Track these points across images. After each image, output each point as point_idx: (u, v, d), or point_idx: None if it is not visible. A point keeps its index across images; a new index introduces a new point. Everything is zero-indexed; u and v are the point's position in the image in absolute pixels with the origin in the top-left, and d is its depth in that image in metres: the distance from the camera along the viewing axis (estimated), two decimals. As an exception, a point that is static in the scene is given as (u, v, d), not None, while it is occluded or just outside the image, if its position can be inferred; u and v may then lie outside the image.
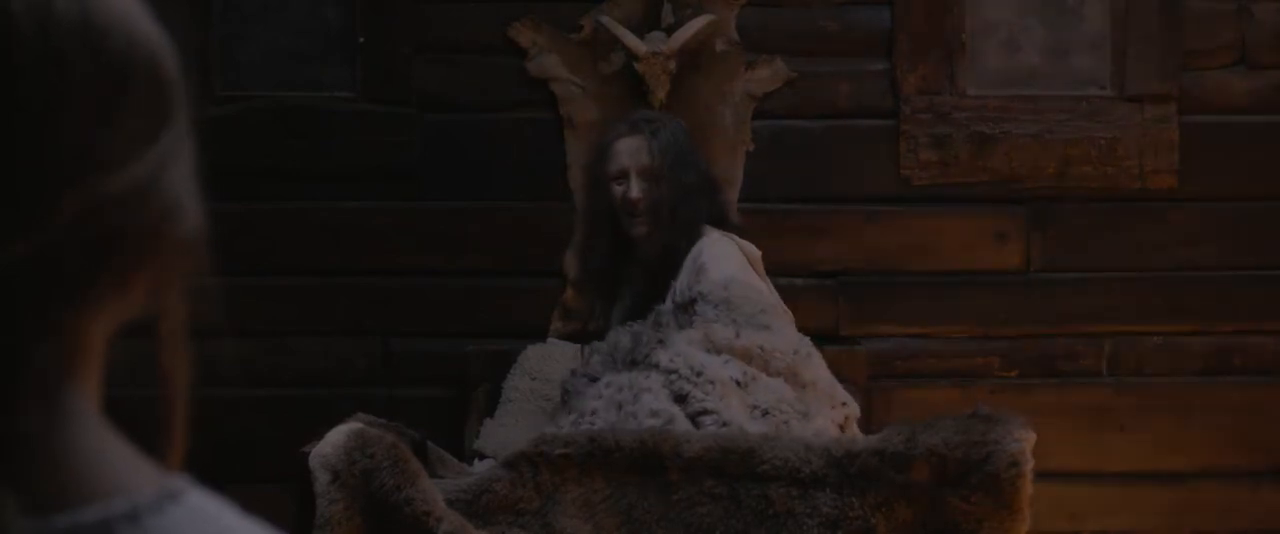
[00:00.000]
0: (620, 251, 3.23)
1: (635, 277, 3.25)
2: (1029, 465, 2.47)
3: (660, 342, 2.89)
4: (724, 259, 3.07)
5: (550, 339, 3.60)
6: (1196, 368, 3.82)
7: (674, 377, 2.78)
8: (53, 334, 0.79)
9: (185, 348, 0.85)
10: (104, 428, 0.82)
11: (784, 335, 2.96)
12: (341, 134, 3.76)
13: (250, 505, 0.87)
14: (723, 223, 3.24)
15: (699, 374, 2.78)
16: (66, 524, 0.77)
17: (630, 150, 3.27)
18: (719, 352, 2.84)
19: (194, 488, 0.82)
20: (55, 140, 0.76)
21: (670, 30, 3.75)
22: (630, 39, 3.71)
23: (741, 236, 3.22)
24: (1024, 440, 2.48)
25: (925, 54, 3.80)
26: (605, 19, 3.75)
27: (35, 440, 0.78)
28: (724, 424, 2.69)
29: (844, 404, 2.97)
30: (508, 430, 3.30)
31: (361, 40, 3.79)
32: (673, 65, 3.71)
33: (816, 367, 2.97)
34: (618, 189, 3.27)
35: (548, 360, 3.47)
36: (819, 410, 2.87)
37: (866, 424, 3.14)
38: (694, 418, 2.73)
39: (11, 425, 0.77)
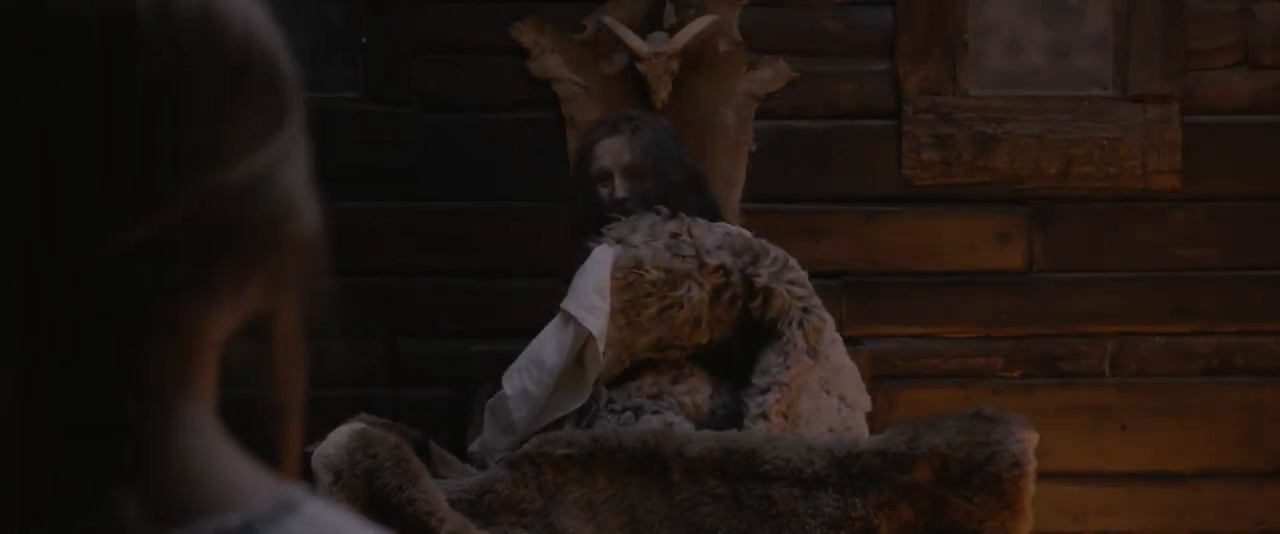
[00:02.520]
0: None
1: None
2: (1031, 465, 2.46)
3: None
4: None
5: (552, 339, 3.59)
6: (1199, 368, 3.81)
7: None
8: (169, 331, 0.78)
9: (300, 352, 0.85)
10: (218, 434, 0.81)
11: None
12: (343, 134, 3.76)
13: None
14: (713, 218, 3.21)
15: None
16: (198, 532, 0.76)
17: (611, 151, 3.27)
18: None
19: (311, 498, 0.82)
20: (173, 128, 0.76)
21: (672, 30, 3.75)
22: (632, 39, 3.71)
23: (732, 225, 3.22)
24: (1026, 440, 2.48)
25: (927, 54, 3.79)
26: (607, 19, 3.75)
27: (150, 446, 0.77)
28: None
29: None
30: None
31: (363, 40, 3.79)
32: (675, 65, 3.70)
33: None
34: (602, 191, 3.26)
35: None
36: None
37: (870, 424, 3.14)
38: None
39: (127, 429, 0.76)
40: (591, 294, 2.95)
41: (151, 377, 0.78)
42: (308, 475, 2.45)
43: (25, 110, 0.75)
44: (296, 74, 0.84)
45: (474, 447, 3.12)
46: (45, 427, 0.75)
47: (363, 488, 2.40)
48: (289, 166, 0.82)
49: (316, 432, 2.60)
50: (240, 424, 0.85)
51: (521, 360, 3.04)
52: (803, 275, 3.02)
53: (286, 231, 0.82)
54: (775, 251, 3.01)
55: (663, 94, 3.69)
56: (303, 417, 0.86)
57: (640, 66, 3.70)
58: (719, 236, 3.01)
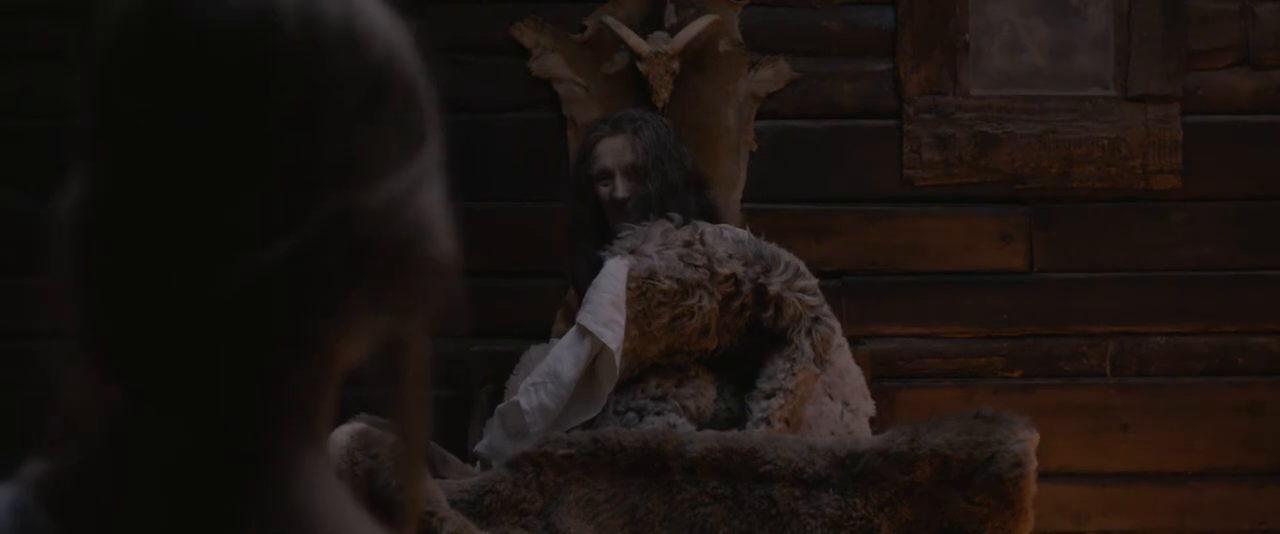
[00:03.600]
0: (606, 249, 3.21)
1: None
2: (1033, 466, 2.46)
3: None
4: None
5: (553, 340, 3.58)
6: (1200, 368, 3.80)
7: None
8: (303, 354, 0.76)
9: (428, 385, 0.81)
10: (337, 486, 0.79)
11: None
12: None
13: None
14: (712, 220, 3.21)
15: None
16: None
17: (613, 150, 3.27)
18: None
19: None
20: (312, 143, 0.76)
21: (673, 30, 3.74)
22: (633, 39, 3.70)
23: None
24: (1028, 441, 2.47)
25: (928, 54, 3.79)
26: (608, 19, 3.75)
27: (277, 477, 0.75)
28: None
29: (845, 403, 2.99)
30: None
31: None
32: (676, 65, 3.70)
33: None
34: (603, 190, 3.26)
35: (550, 360, 3.46)
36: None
37: (872, 429, 3.13)
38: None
39: (255, 457, 0.74)
40: (608, 307, 2.95)
41: (283, 402, 0.76)
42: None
43: (168, 123, 0.74)
44: (435, 98, 0.84)
45: (479, 447, 3.12)
46: (174, 447, 0.74)
47: (363, 488, 2.39)
48: (425, 190, 0.82)
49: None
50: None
51: (537, 375, 3.03)
52: (813, 282, 3.02)
53: (422, 255, 0.81)
54: (786, 258, 3.01)
55: (663, 94, 3.68)
56: (424, 465, 0.81)
57: (641, 66, 3.69)
58: (730, 245, 3.00)
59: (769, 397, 2.85)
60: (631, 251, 2.98)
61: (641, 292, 2.90)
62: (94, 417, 0.76)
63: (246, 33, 0.75)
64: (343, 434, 2.44)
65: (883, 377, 3.72)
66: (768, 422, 2.80)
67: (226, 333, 0.73)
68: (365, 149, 0.79)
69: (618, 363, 2.93)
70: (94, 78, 0.77)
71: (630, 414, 2.97)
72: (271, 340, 0.75)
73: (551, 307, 3.67)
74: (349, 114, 0.78)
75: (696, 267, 2.91)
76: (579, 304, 3.55)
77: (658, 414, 2.91)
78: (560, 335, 3.53)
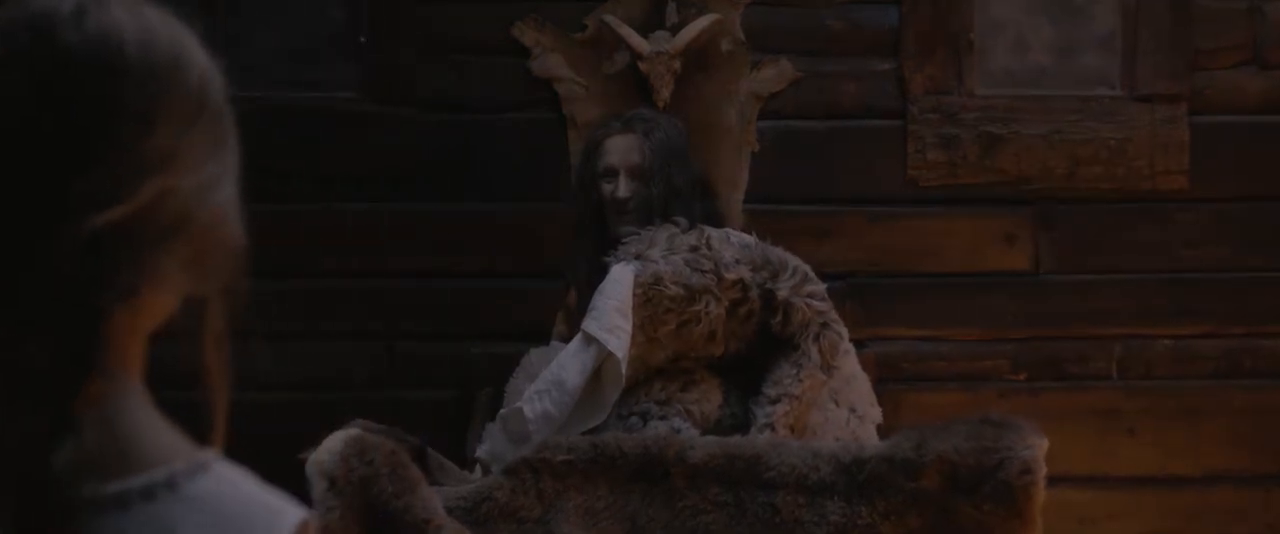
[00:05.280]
0: (612, 248, 3.18)
1: None
2: (1042, 473, 2.43)
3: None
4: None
5: (553, 342, 3.56)
6: (1207, 371, 3.79)
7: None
8: (119, 307, 0.99)
9: (226, 346, 1.05)
10: (147, 403, 1.01)
11: None
12: (343, 135, 3.73)
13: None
14: (716, 225, 3.19)
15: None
16: (118, 490, 0.95)
17: (621, 148, 3.25)
18: None
19: (221, 460, 1.00)
20: (146, 138, 1.00)
21: (675, 30, 3.72)
22: (634, 38, 3.68)
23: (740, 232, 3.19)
24: (1037, 447, 2.45)
25: (933, 54, 3.77)
26: (609, 18, 3.73)
27: (92, 411, 0.96)
28: None
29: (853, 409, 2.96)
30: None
31: (363, 40, 3.77)
32: (677, 65, 3.68)
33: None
34: (606, 187, 3.24)
35: (550, 363, 3.43)
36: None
37: (877, 431, 3.11)
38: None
39: (73, 394, 0.95)
40: (613, 314, 2.92)
41: (108, 335, 0.98)
42: (302, 482, 2.41)
43: (33, 117, 0.99)
44: (232, 115, 1.09)
45: (481, 452, 3.10)
46: (22, 369, 0.95)
47: (359, 495, 2.36)
48: (225, 184, 1.07)
49: (313, 437, 2.57)
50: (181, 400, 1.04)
51: (541, 382, 3.01)
52: (821, 287, 3.00)
53: (221, 237, 1.05)
54: (794, 263, 2.98)
55: (665, 94, 3.67)
56: (227, 401, 1.06)
57: (642, 66, 3.68)
58: (737, 249, 2.98)
59: (774, 402, 2.83)
60: (637, 257, 2.96)
61: (648, 297, 2.88)
62: None
63: (98, 53, 1.01)
64: (337, 440, 2.41)
65: (887, 380, 3.70)
66: (772, 427, 2.77)
67: (69, 279, 0.96)
68: (183, 147, 1.03)
69: (623, 370, 2.91)
70: None
71: (634, 418, 2.95)
72: (103, 285, 0.97)
73: (552, 308, 3.64)
74: (172, 119, 1.02)
75: (703, 272, 2.89)
76: (578, 305, 3.53)
77: (662, 418, 2.89)
78: (560, 337, 3.52)
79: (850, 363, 3.05)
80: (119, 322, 0.99)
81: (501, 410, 3.12)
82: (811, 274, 3.01)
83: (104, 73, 1.00)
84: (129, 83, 1.01)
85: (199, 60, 1.06)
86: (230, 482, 0.99)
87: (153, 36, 1.03)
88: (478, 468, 3.08)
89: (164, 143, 1.01)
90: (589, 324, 2.95)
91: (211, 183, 1.05)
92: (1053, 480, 2.78)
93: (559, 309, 3.64)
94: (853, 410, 3.00)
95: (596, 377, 2.97)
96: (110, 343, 0.98)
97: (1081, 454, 3.71)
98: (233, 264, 1.06)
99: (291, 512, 1.00)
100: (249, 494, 0.99)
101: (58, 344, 0.95)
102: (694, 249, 2.92)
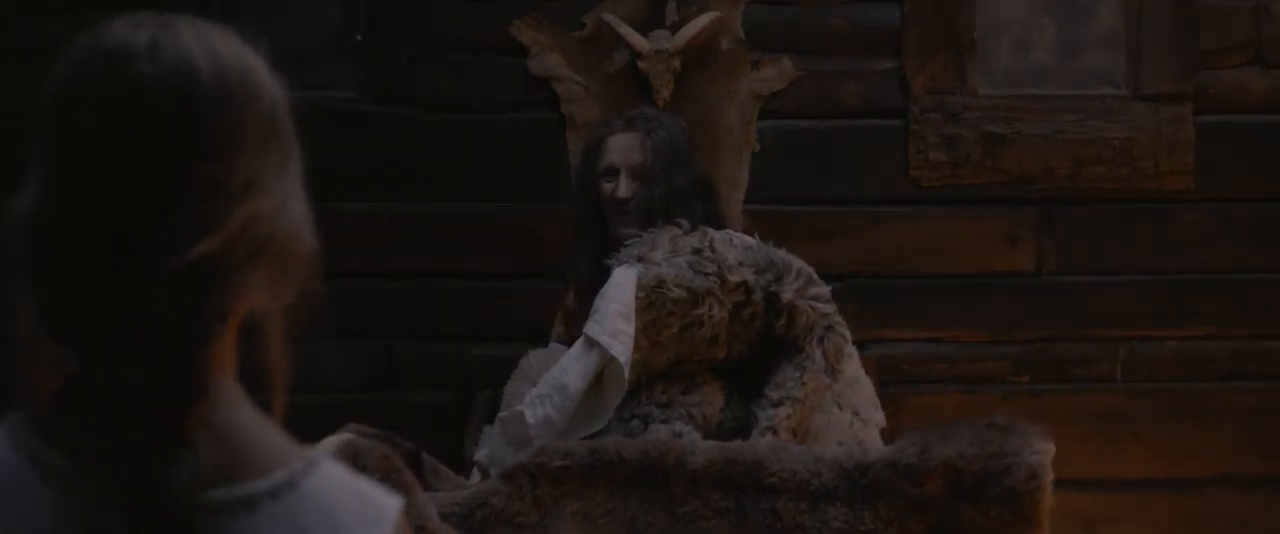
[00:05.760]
0: (609, 254, 3.16)
1: None
2: (1048, 478, 2.41)
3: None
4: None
5: (552, 344, 3.54)
6: (1212, 373, 3.77)
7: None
8: (220, 324, 1.06)
9: (289, 346, 1.12)
10: (247, 403, 1.09)
11: None
12: (342, 135, 3.71)
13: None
14: (717, 227, 3.16)
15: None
16: (245, 493, 1.04)
17: (622, 147, 3.24)
18: None
19: (325, 458, 1.10)
20: (229, 166, 1.06)
21: (674, 28, 3.71)
22: (634, 37, 3.67)
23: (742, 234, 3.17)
24: (1043, 452, 2.42)
25: (935, 53, 3.75)
26: (608, 17, 3.72)
27: (207, 419, 1.04)
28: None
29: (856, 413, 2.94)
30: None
31: (361, 40, 3.75)
32: (677, 64, 3.67)
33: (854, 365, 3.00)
34: (607, 187, 3.23)
35: (549, 366, 3.40)
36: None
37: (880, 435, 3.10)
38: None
39: (190, 405, 1.03)
40: (615, 318, 2.90)
41: (208, 350, 1.05)
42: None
43: (119, 153, 1.03)
44: (294, 132, 1.13)
45: (480, 456, 3.07)
46: (129, 401, 1.02)
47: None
48: (297, 196, 1.12)
49: (311, 439, 2.54)
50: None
51: (543, 387, 2.99)
52: (825, 290, 2.98)
53: (298, 247, 1.11)
54: (797, 266, 2.96)
55: (664, 93, 3.66)
56: (288, 392, 1.13)
57: (641, 65, 3.66)
58: (740, 252, 2.96)
59: (776, 405, 2.81)
60: (639, 259, 2.94)
61: (651, 301, 2.86)
62: (56, 376, 1.06)
63: (176, 86, 1.05)
64: (329, 444, 2.39)
65: (888, 381, 3.68)
66: (774, 430, 2.75)
67: (169, 309, 1.02)
68: (261, 169, 1.08)
69: (626, 374, 2.88)
70: (52, 115, 1.07)
71: (635, 421, 2.93)
72: (200, 309, 1.04)
73: (551, 309, 3.62)
74: (249, 144, 1.07)
75: (706, 274, 2.87)
76: (578, 307, 3.51)
77: (663, 421, 2.87)
78: (559, 338, 3.50)
79: (853, 366, 3.03)
80: (216, 335, 1.06)
81: (501, 413, 3.10)
82: (816, 277, 2.99)
83: (182, 104, 1.04)
84: (207, 113, 1.05)
85: (266, 80, 1.11)
86: (337, 477, 1.10)
87: (223, 63, 1.08)
88: (475, 471, 3.06)
89: (245, 169, 1.06)
90: (591, 328, 2.93)
91: (286, 198, 1.10)
92: (1056, 484, 2.76)
93: (558, 310, 3.62)
94: (856, 414, 2.98)
95: (598, 381, 2.95)
96: (211, 354, 1.06)
97: (1085, 457, 3.70)
98: (308, 271, 1.11)
99: (390, 501, 1.12)
100: (355, 488, 1.10)
101: (164, 371, 1.02)
102: (697, 251, 2.90)
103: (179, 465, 1.01)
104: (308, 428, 2.70)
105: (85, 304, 1.04)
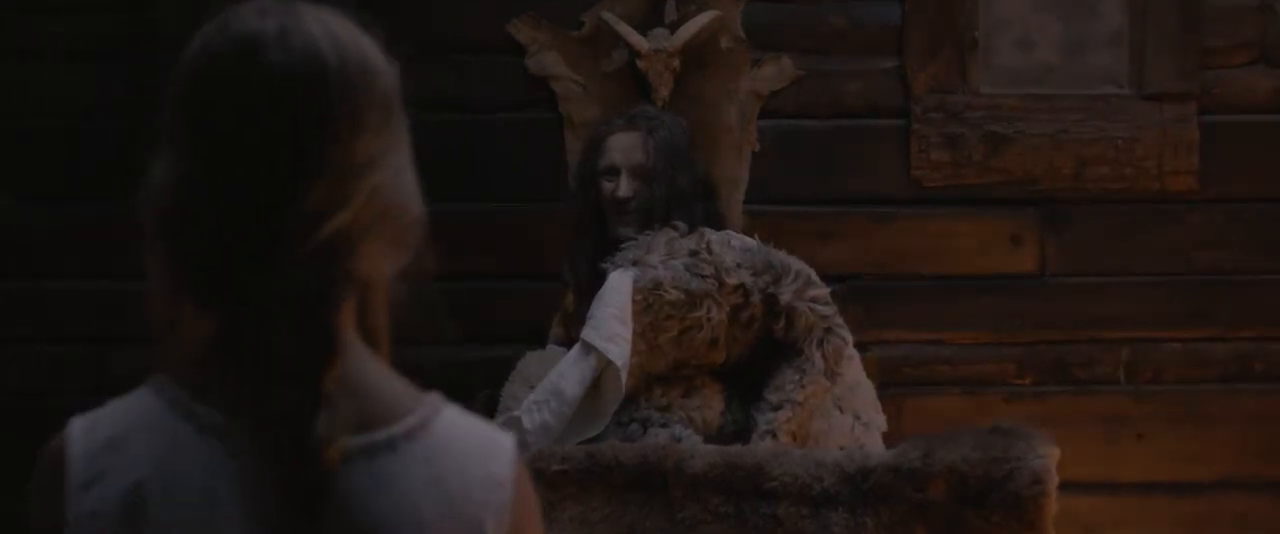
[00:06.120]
0: (609, 255, 3.14)
1: None
2: (1053, 483, 2.39)
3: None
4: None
5: (549, 345, 3.52)
6: (1217, 375, 3.75)
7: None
8: (351, 287, 1.17)
9: (391, 306, 1.24)
10: (372, 356, 1.22)
11: None
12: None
13: None
14: (719, 228, 3.16)
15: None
16: (386, 436, 1.17)
17: (623, 146, 3.24)
18: None
19: (446, 401, 1.23)
20: (358, 144, 1.16)
21: (674, 27, 3.68)
22: (633, 36, 3.65)
23: (743, 235, 3.15)
24: (1048, 456, 2.40)
25: (937, 51, 3.73)
26: (607, 15, 3.70)
27: (348, 374, 1.16)
28: None
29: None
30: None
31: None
32: (676, 63, 3.65)
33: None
34: (607, 186, 3.21)
35: (547, 367, 3.38)
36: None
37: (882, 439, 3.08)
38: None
39: (330, 360, 1.13)
40: (612, 322, 2.88)
41: (337, 332, 1.15)
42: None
43: (256, 140, 1.13)
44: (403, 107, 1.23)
45: None
46: (274, 361, 1.12)
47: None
48: (406, 169, 1.22)
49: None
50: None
51: (540, 392, 2.97)
52: (825, 291, 2.96)
53: (411, 215, 1.21)
54: (796, 267, 2.94)
55: (664, 92, 3.64)
56: (388, 354, 1.25)
57: (640, 64, 3.65)
58: (738, 253, 2.95)
59: (776, 409, 2.78)
60: (634, 263, 2.92)
61: (648, 303, 2.84)
62: (196, 338, 1.17)
63: (306, 72, 1.15)
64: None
65: (889, 384, 3.67)
66: (774, 434, 2.73)
67: (307, 279, 1.13)
68: (381, 145, 1.18)
69: (623, 379, 2.86)
70: (187, 101, 1.16)
71: (634, 425, 2.91)
72: (334, 281, 1.15)
73: (549, 311, 3.61)
74: (371, 122, 1.17)
75: (703, 276, 2.85)
76: (577, 308, 3.49)
77: (662, 425, 2.86)
78: (557, 340, 3.48)
79: (855, 369, 3.00)
80: (346, 297, 1.17)
81: (498, 419, 3.08)
82: (815, 278, 2.96)
83: (312, 90, 1.14)
84: (334, 97, 1.15)
85: (381, 63, 1.21)
86: (460, 418, 1.23)
87: (345, 47, 1.18)
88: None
89: (367, 146, 1.16)
90: (588, 333, 2.91)
91: (400, 170, 1.20)
92: (1059, 487, 2.75)
93: (556, 311, 3.61)
94: (857, 418, 2.96)
95: (596, 386, 2.93)
96: (342, 314, 1.17)
97: (1089, 460, 3.68)
98: (418, 237, 1.22)
99: (506, 437, 1.25)
100: (476, 426, 1.24)
101: (304, 332, 1.13)
102: (694, 253, 2.88)
103: (321, 416, 1.11)
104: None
105: (228, 273, 1.14)
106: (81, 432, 1.17)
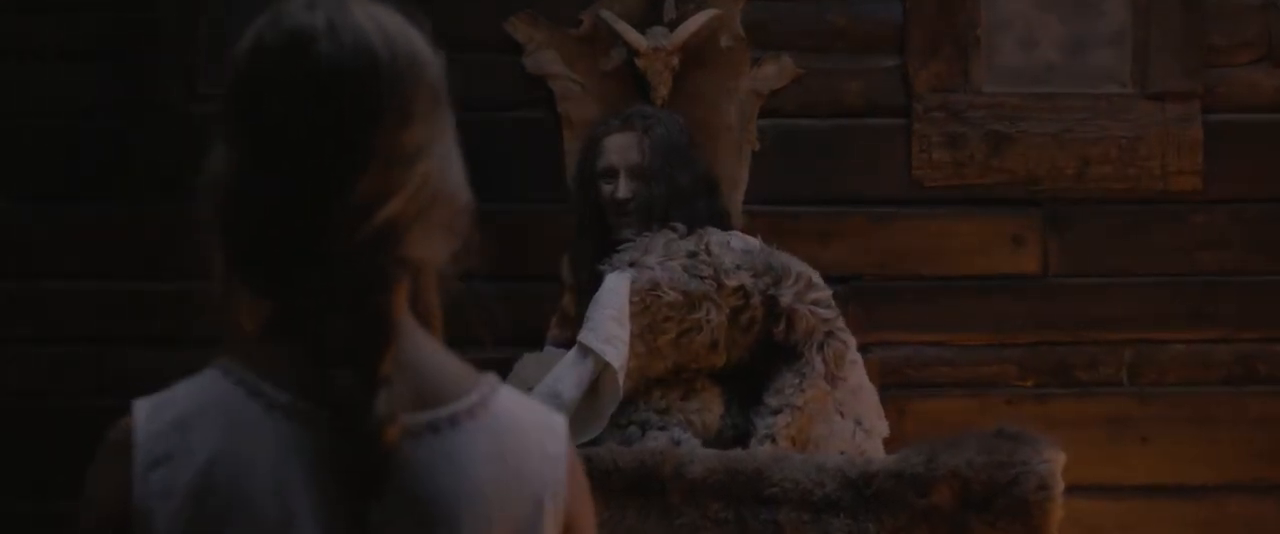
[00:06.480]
0: (609, 256, 3.12)
1: None
2: (1058, 488, 2.37)
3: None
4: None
5: (548, 347, 3.50)
6: (1220, 377, 3.74)
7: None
8: (407, 264, 1.20)
9: (441, 290, 1.27)
10: (426, 335, 1.26)
11: None
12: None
13: None
14: (723, 226, 3.15)
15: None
16: (449, 412, 1.21)
17: (620, 147, 3.23)
18: None
19: (499, 381, 1.27)
20: (408, 133, 1.19)
21: (673, 25, 3.66)
22: (631, 34, 3.63)
23: (746, 234, 3.14)
24: (1053, 460, 2.38)
25: (938, 50, 3.72)
26: (606, 13, 3.68)
27: (404, 355, 1.19)
28: None
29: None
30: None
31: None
32: (675, 61, 3.63)
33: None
34: (606, 188, 3.20)
35: (544, 369, 3.36)
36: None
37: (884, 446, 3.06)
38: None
39: (387, 342, 1.17)
40: (609, 324, 2.86)
41: (393, 316, 1.19)
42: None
43: (309, 133, 1.17)
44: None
45: None
46: (333, 344, 1.16)
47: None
48: (455, 155, 1.25)
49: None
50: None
51: (537, 395, 2.94)
52: (826, 294, 2.94)
53: (459, 201, 1.24)
54: (798, 268, 2.92)
55: (662, 91, 3.63)
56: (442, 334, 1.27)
57: (639, 62, 3.63)
58: (738, 254, 2.92)
59: (775, 412, 2.76)
60: (631, 264, 2.89)
61: (645, 305, 2.82)
62: (254, 322, 1.21)
63: (356, 65, 1.18)
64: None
65: (891, 385, 3.65)
66: (773, 439, 2.71)
67: (362, 265, 1.17)
68: (429, 134, 1.21)
69: (621, 381, 2.83)
70: (240, 95, 1.20)
71: (632, 428, 2.89)
72: (389, 267, 1.18)
73: (547, 312, 3.59)
74: (419, 112, 1.20)
75: (702, 278, 2.83)
76: (576, 310, 3.46)
77: (661, 428, 2.83)
78: (555, 341, 3.46)
79: (857, 373, 2.98)
80: (400, 279, 1.21)
81: None
82: (817, 280, 2.94)
83: (363, 83, 1.17)
84: (384, 89, 1.18)
85: (429, 54, 1.24)
86: (514, 396, 1.28)
87: (394, 40, 1.21)
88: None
89: (417, 135, 1.20)
90: (585, 335, 2.89)
91: (447, 157, 1.23)
92: (1063, 490, 2.73)
93: (554, 313, 3.58)
94: (859, 423, 2.93)
95: (593, 388, 2.90)
96: (396, 295, 1.20)
97: (1092, 463, 3.66)
98: (466, 222, 1.25)
99: (558, 417, 1.30)
100: (530, 404, 1.29)
101: (361, 316, 1.16)
102: (692, 255, 2.86)
103: (380, 397, 1.15)
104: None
105: (281, 264, 1.18)
106: (147, 414, 1.19)
